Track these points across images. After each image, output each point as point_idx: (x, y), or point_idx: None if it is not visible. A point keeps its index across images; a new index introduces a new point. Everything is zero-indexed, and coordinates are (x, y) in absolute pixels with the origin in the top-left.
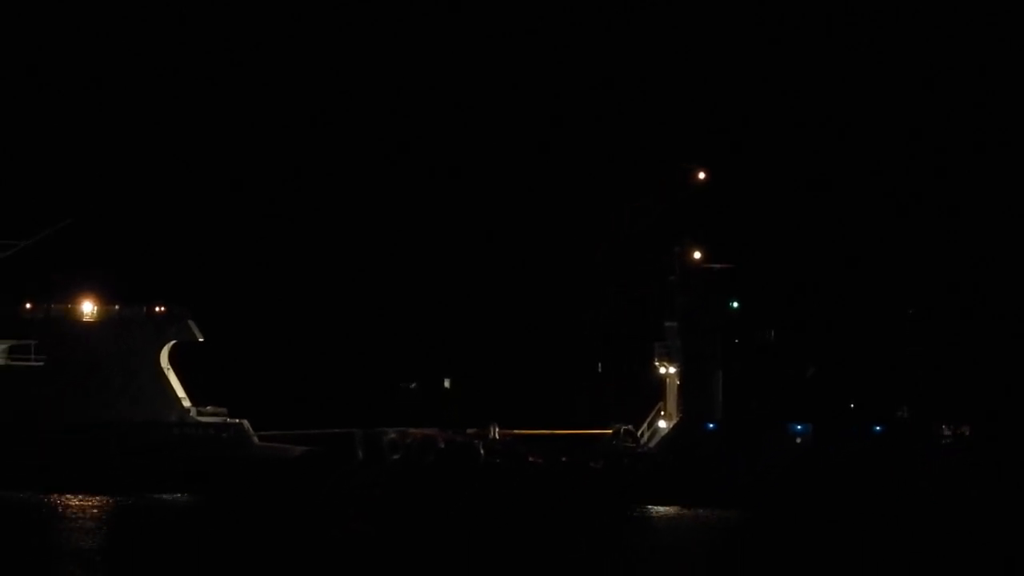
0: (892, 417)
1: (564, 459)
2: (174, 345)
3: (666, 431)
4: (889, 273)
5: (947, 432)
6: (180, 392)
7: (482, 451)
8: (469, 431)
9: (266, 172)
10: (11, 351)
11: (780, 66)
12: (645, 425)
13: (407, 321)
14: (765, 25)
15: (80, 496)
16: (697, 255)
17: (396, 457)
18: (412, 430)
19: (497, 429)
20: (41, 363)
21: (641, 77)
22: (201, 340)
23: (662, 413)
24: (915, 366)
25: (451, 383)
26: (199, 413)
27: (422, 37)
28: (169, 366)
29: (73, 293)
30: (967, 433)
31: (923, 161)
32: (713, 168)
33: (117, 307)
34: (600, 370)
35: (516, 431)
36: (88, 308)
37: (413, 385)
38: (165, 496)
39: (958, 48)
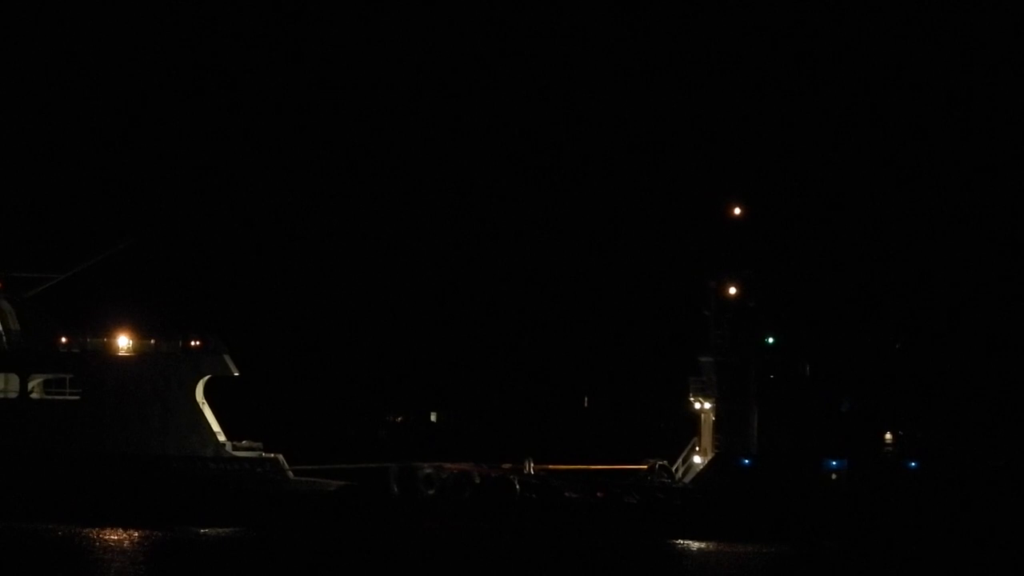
0: (929, 452)
1: (599, 494)
2: (210, 379)
3: (701, 466)
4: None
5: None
6: (215, 426)
7: (518, 486)
8: (504, 466)
9: (269, 178)
10: (47, 385)
11: (782, 68)
12: (680, 460)
13: (402, 343)
14: (766, 27)
15: (116, 530)
16: (732, 290)
17: (431, 492)
18: (447, 464)
19: (532, 464)
20: (77, 397)
21: (643, 83)
22: (237, 374)
23: (696, 448)
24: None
25: (438, 416)
26: (234, 448)
27: (422, 37)
28: (204, 400)
29: (109, 327)
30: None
31: (924, 161)
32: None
33: (153, 341)
34: (586, 404)
35: (551, 466)
36: (124, 342)
37: (399, 419)
38: (201, 530)
39: (959, 48)
